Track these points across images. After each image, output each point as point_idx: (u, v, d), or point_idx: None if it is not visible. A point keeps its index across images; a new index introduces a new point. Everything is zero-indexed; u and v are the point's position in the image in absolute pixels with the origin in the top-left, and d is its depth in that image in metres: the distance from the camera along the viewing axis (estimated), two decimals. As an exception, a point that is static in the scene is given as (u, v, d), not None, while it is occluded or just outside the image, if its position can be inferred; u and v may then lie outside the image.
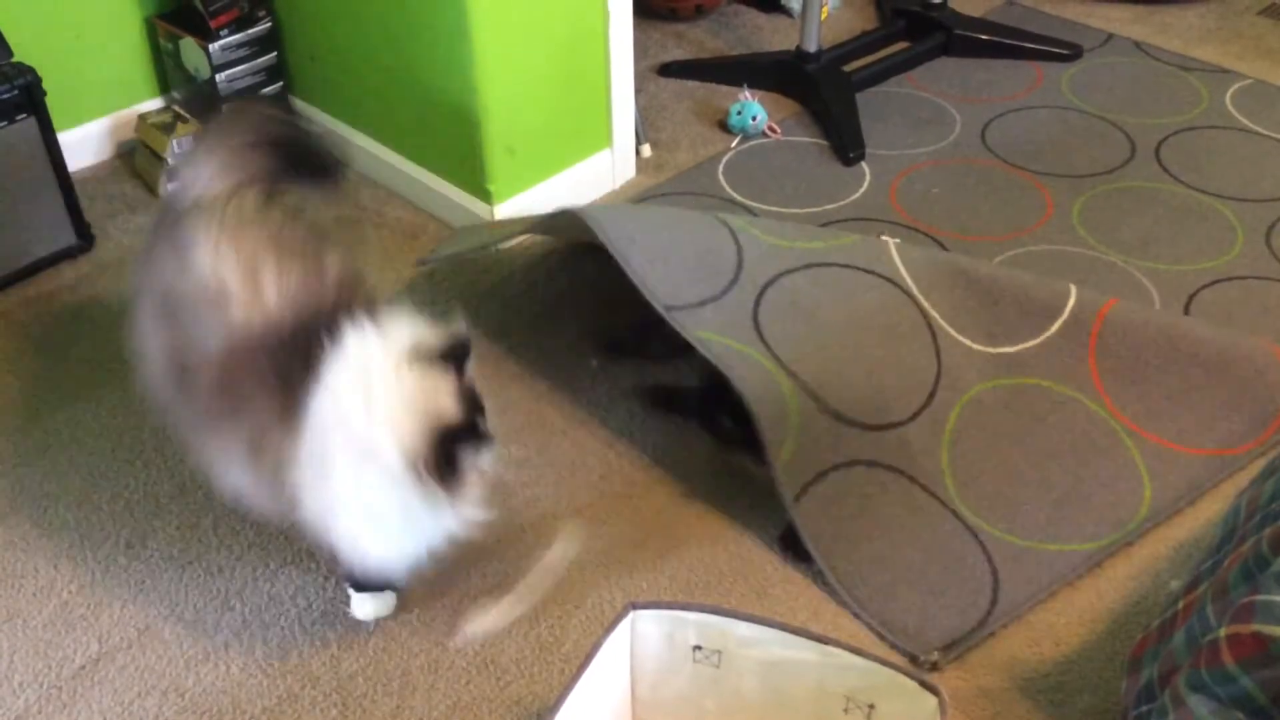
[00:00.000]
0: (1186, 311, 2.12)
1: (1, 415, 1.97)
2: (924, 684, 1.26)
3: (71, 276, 2.28)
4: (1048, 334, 1.93)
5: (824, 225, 2.32)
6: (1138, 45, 2.99)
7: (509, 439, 1.90)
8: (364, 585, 1.59)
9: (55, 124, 2.23)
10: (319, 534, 1.43)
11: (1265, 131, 2.63)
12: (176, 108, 2.58)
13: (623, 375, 2.01)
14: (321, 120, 2.58)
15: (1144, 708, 1.27)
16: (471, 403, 1.38)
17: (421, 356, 1.35)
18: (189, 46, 2.48)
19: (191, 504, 1.80)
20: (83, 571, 1.70)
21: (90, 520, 1.78)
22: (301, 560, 1.71)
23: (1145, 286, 2.19)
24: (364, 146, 2.50)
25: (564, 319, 2.14)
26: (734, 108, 2.65)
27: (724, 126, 2.68)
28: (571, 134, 2.37)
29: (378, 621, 1.62)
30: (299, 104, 2.62)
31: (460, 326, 1.40)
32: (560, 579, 1.66)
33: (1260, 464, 1.80)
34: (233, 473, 1.46)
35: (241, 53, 2.50)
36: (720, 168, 2.55)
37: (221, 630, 1.61)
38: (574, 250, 2.27)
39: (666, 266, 1.82)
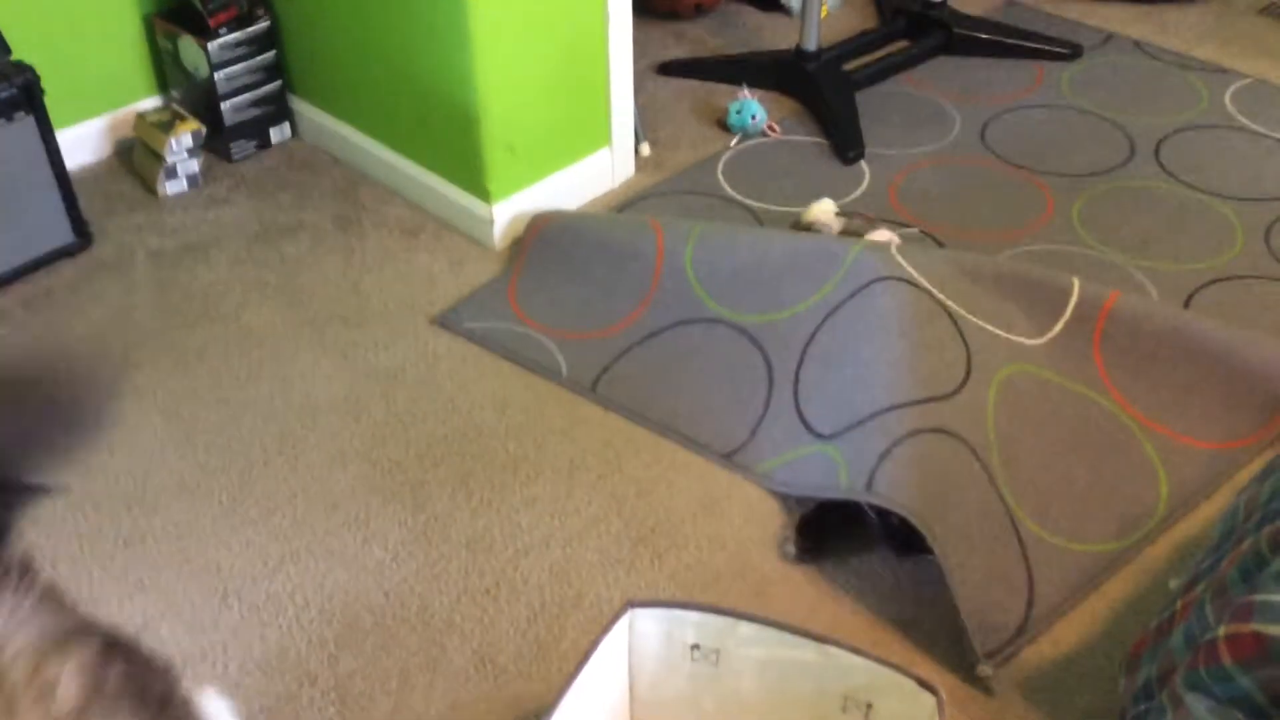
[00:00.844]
0: (1187, 309, 2.11)
1: (-1, 413, 1.96)
2: (922, 683, 1.26)
3: (70, 274, 2.27)
4: (1053, 332, 1.93)
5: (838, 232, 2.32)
6: (1137, 44, 2.99)
7: (508, 438, 1.90)
8: None
9: (54, 122, 2.22)
10: None
11: (1265, 131, 2.63)
12: (175, 106, 2.58)
13: (620, 382, 2.01)
14: (321, 119, 2.58)
15: (1142, 707, 1.27)
16: None
17: None
18: (187, 45, 2.48)
19: (189, 502, 1.80)
20: (80, 569, 1.69)
21: (88, 518, 1.78)
22: (299, 559, 1.71)
23: (1145, 286, 2.18)
24: (362, 145, 2.50)
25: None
26: (733, 106, 2.65)
27: (723, 125, 2.68)
28: (571, 133, 2.37)
29: (376, 620, 1.61)
30: (297, 101, 2.62)
31: None
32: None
33: (1265, 457, 1.81)
34: None
35: (240, 51, 2.49)
36: (719, 166, 2.55)
37: (219, 628, 1.61)
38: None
39: (709, 410, 1.90)
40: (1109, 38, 3.02)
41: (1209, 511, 1.75)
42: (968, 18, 3.02)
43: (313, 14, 2.44)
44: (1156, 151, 2.57)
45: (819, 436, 1.80)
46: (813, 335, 1.91)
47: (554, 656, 1.56)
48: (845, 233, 2.20)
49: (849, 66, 2.85)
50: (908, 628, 1.60)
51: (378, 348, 2.09)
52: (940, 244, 2.30)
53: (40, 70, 2.16)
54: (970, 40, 2.95)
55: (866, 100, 2.76)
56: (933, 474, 1.65)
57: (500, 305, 2.16)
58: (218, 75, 2.48)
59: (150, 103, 2.65)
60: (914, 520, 1.58)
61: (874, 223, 2.24)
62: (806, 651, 1.31)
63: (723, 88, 2.82)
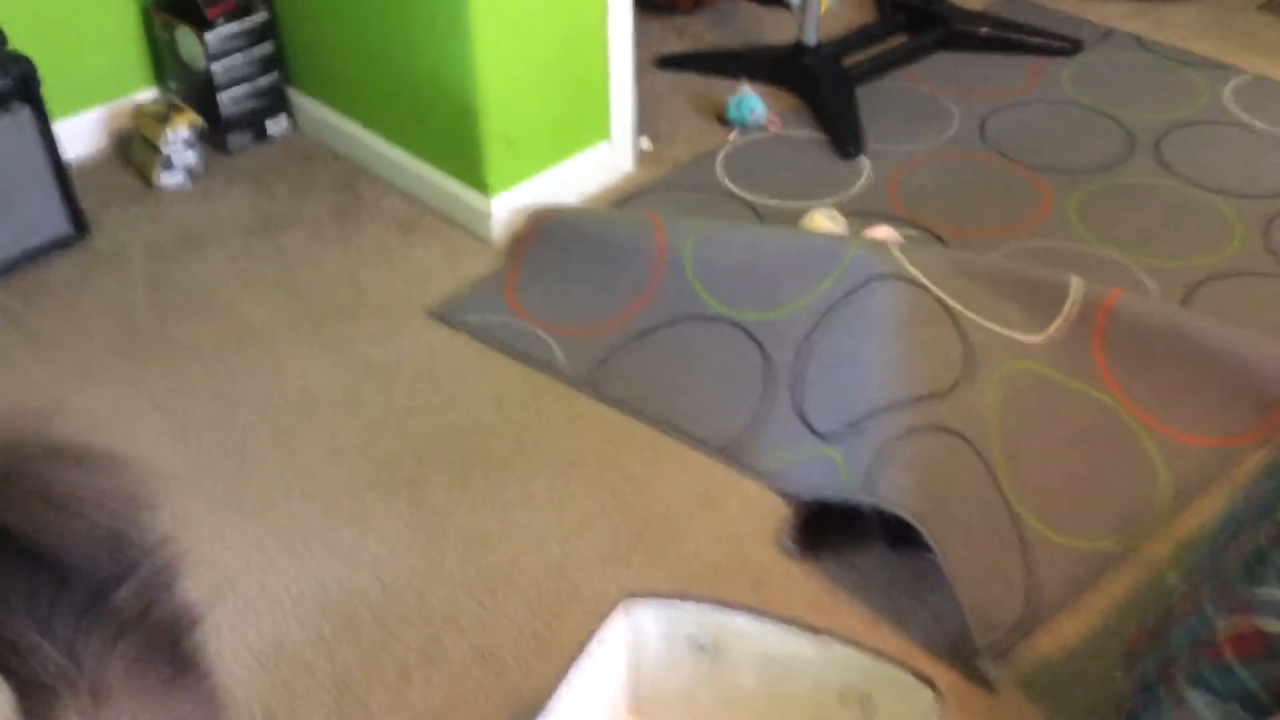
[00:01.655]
0: (1185, 306, 2.11)
1: (-5, 405, 1.96)
2: (921, 677, 1.26)
3: (66, 266, 2.27)
4: (1052, 330, 1.93)
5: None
6: (1137, 40, 2.98)
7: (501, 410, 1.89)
8: None
9: (50, 113, 2.21)
10: None
11: (1263, 126, 2.63)
12: (172, 98, 2.57)
13: (616, 380, 2.01)
14: (319, 111, 2.57)
15: (1141, 702, 1.26)
16: None
17: None
18: (185, 36, 2.47)
19: (185, 495, 1.79)
20: (76, 562, 1.69)
21: (84, 511, 1.77)
22: (296, 553, 1.70)
23: (1143, 282, 2.18)
24: (360, 138, 2.49)
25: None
26: (732, 101, 2.64)
27: (722, 120, 2.67)
28: (570, 126, 2.36)
29: (373, 614, 1.61)
30: (294, 94, 2.61)
31: None
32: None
33: (1264, 454, 1.80)
34: None
35: (237, 42, 2.48)
36: (718, 161, 2.54)
37: (215, 623, 1.61)
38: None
39: (707, 406, 1.89)
40: (1108, 33, 3.02)
41: (1209, 508, 1.75)
42: (967, 13, 3.02)
43: (310, 6, 2.43)
44: (1155, 147, 2.57)
45: (819, 436, 1.80)
46: (811, 333, 1.91)
47: (552, 651, 1.56)
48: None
49: (848, 61, 2.84)
50: (906, 622, 1.59)
51: (375, 341, 2.09)
52: (941, 241, 2.30)
53: (37, 61, 2.15)
54: (969, 35, 2.94)
55: (866, 95, 2.76)
56: (932, 472, 1.64)
57: (498, 300, 2.16)
58: (215, 67, 2.47)
59: (147, 94, 2.64)
60: (912, 520, 1.57)
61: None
62: (805, 646, 1.31)
63: (722, 82, 2.81)
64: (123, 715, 0.87)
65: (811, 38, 2.72)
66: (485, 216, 2.30)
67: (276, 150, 2.59)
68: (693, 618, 1.34)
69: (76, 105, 2.53)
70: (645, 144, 2.58)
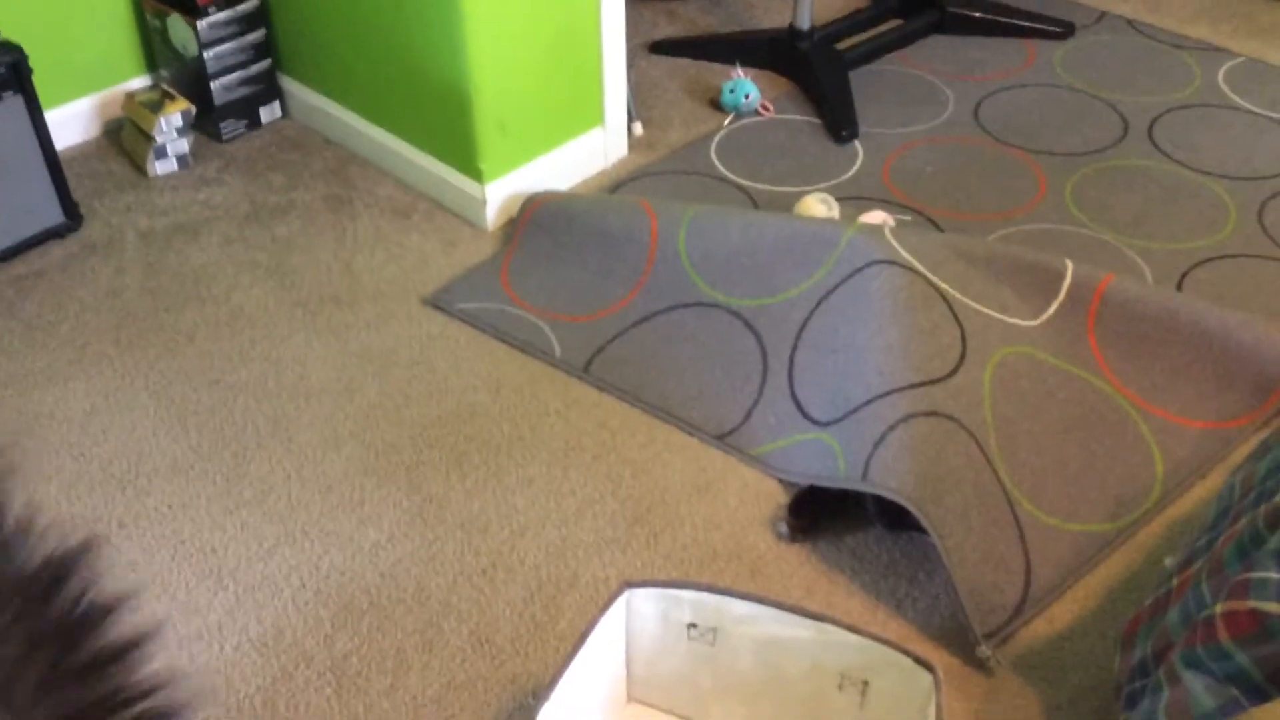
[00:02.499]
0: (1179, 289, 2.12)
1: (-10, 395, 1.96)
2: (918, 660, 1.27)
3: (59, 255, 2.26)
4: (1047, 314, 1.93)
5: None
6: (1130, 23, 2.98)
7: (501, 417, 1.90)
8: None
9: (42, 102, 2.20)
10: None
11: (1257, 110, 2.63)
12: (164, 85, 2.56)
13: (613, 366, 2.01)
14: (311, 98, 2.56)
15: (1137, 684, 1.27)
16: None
17: None
18: (176, 23, 2.46)
19: (182, 483, 1.79)
20: (74, 552, 1.69)
21: (82, 500, 1.77)
22: (295, 540, 1.70)
23: (1138, 265, 2.18)
24: (354, 124, 2.48)
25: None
26: (726, 86, 2.63)
27: (716, 105, 2.67)
28: (563, 112, 2.36)
29: (372, 601, 1.61)
30: (287, 81, 2.60)
31: None
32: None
33: (1260, 436, 1.81)
34: None
35: (229, 29, 2.47)
36: (713, 146, 2.54)
37: (214, 609, 1.61)
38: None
39: (703, 393, 1.90)
40: (1102, 16, 3.01)
41: (1203, 491, 1.76)
42: (961, -4, 3.02)
43: (303, -8, 2.42)
44: (1149, 130, 2.57)
45: (815, 423, 1.80)
46: (807, 320, 1.91)
47: (551, 636, 1.57)
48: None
49: (842, 45, 2.84)
50: (903, 607, 1.60)
51: (370, 329, 2.08)
52: (935, 225, 2.30)
53: (28, 50, 2.14)
54: (963, 19, 2.94)
55: (860, 79, 2.76)
56: (928, 457, 1.64)
57: (493, 286, 2.16)
58: (207, 54, 2.46)
59: (139, 82, 2.62)
60: (910, 507, 1.58)
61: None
62: (803, 630, 1.31)
63: (716, 67, 2.81)
64: None
65: (805, 22, 2.71)
66: (479, 203, 2.29)
67: (269, 138, 2.58)
68: (690, 603, 1.34)
69: (68, 94, 2.52)
70: (638, 129, 2.57)
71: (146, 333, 2.08)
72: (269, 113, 2.61)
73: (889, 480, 1.62)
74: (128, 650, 0.90)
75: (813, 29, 2.74)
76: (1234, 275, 2.16)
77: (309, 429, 1.89)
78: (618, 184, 2.43)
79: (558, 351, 2.01)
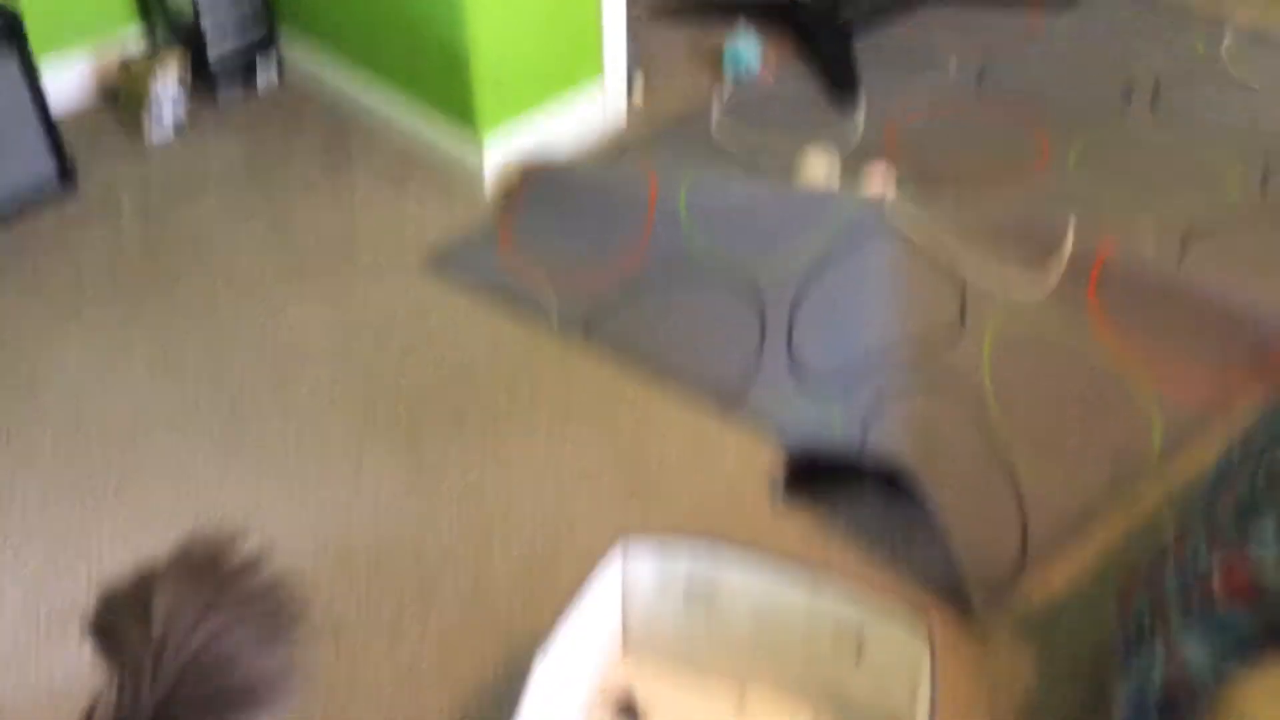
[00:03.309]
0: (1181, 257, 2.11)
1: (-13, 356, 1.95)
2: (914, 618, 1.27)
3: (55, 217, 2.25)
4: (1048, 283, 1.92)
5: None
6: (1135, -9, 2.96)
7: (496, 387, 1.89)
8: None
9: (37, 64, 2.19)
10: None
11: (1261, 77, 2.61)
12: (160, 48, 2.54)
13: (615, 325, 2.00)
14: (308, 61, 2.54)
15: (1134, 645, 1.27)
16: None
17: None
18: (173, -16, 2.44)
19: (180, 443, 1.79)
20: (72, 509, 1.69)
21: (80, 459, 1.77)
22: (294, 499, 1.70)
23: (1140, 232, 2.18)
24: (351, 87, 2.47)
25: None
26: (728, 50, 2.62)
27: (718, 70, 2.65)
28: (563, 72, 2.34)
29: (370, 562, 1.61)
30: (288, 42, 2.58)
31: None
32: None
33: (1259, 401, 1.81)
34: None
35: (227, -9, 2.45)
36: (713, 110, 2.52)
37: (212, 569, 1.61)
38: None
39: (701, 358, 1.90)
40: (1106, -16, 2.99)
41: (1202, 456, 1.75)
42: (964, -37, 2.99)
43: (300, -47, 2.40)
44: (1153, 97, 2.56)
45: (812, 388, 1.80)
46: (805, 285, 1.90)
47: (547, 596, 1.57)
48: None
49: (845, 12, 2.81)
50: (899, 569, 1.60)
51: (368, 293, 2.08)
52: (938, 191, 2.29)
53: (22, 10, 2.12)
54: (966, -15, 2.92)
55: (863, 46, 2.74)
56: (925, 428, 1.64)
57: (492, 251, 2.15)
58: (203, 18, 2.44)
59: (135, 45, 2.60)
60: (904, 470, 1.58)
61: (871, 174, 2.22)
62: (799, 588, 1.31)
63: (718, 30, 2.79)
64: None
65: (807, -13, 2.69)
66: (477, 165, 2.28)
67: (265, 101, 2.57)
68: (686, 561, 1.34)
69: (64, 56, 2.50)
70: (639, 92, 2.56)
71: (144, 296, 2.07)
72: (266, 75, 2.59)
73: (888, 450, 1.62)
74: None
75: (815, -6, 2.72)
76: (1236, 241, 2.15)
77: (306, 392, 1.88)
78: (617, 148, 2.42)
79: (556, 318, 2.01)
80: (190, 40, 2.48)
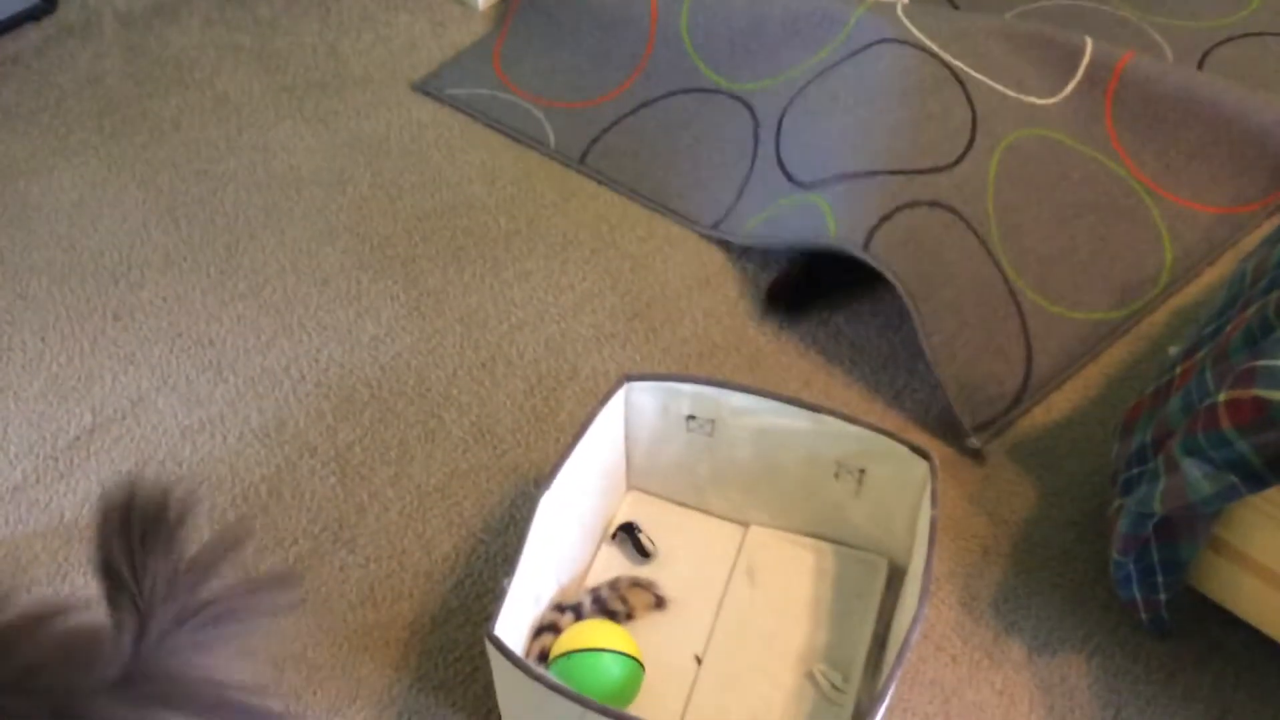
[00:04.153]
0: (1199, 69, 2.03)
1: (-26, 187, 1.91)
2: (914, 448, 1.27)
3: (35, 38, 2.17)
4: (1065, 93, 1.85)
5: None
6: None
7: (502, 205, 1.86)
8: None
9: None
10: None
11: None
12: None
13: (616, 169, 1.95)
14: None
15: (1135, 470, 1.28)
16: None
17: None
18: None
19: (176, 276, 1.77)
20: (71, 344, 1.68)
21: (75, 292, 1.75)
22: (292, 333, 1.69)
23: (1159, 44, 2.09)
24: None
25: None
26: None
27: None
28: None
29: (373, 393, 1.62)
30: None
31: None
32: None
33: (1273, 222, 1.78)
34: None
35: None
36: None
37: (215, 401, 1.61)
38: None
39: (699, 181, 1.83)
40: None
41: (1211, 278, 1.73)
42: None
43: None
44: (1180, -102, 2.42)
45: (799, 185, 1.74)
46: (804, 88, 1.83)
47: (551, 428, 1.57)
48: None
49: None
50: (901, 397, 1.60)
51: (360, 115, 2.02)
52: (955, 4, 2.19)
53: None
54: None
55: None
56: (927, 250, 1.61)
57: (485, 71, 2.07)
58: None
59: None
60: (905, 300, 1.55)
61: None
62: (800, 420, 1.31)
63: None
64: None
65: None
66: (470, -19, 2.18)
67: (246, -90, 2.44)
68: (689, 395, 1.34)
69: None
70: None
71: (130, 120, 2.01)
72: (244, -117, 2.45)
73: (889, 263, 1.58)
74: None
75: None
76: (1256, 54, 2.07)
77: (301, 221, 1.85)
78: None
79: (552, 140, 1.95)
80: None
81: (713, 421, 1.35)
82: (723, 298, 1.73)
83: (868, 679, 1.30)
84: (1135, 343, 1.66)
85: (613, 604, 1.33)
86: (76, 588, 1.41)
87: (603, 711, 1.07)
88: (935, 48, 1.79)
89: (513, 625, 1.20)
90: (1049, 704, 1.30)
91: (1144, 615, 1.29)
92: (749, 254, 1.78)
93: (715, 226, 1.80)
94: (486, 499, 1.50)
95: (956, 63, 1.79)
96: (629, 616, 1.34)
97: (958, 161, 1.71)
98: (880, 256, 1.59)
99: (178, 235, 1.83)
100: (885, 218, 1.63)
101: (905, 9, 1.85)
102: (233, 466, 1.54)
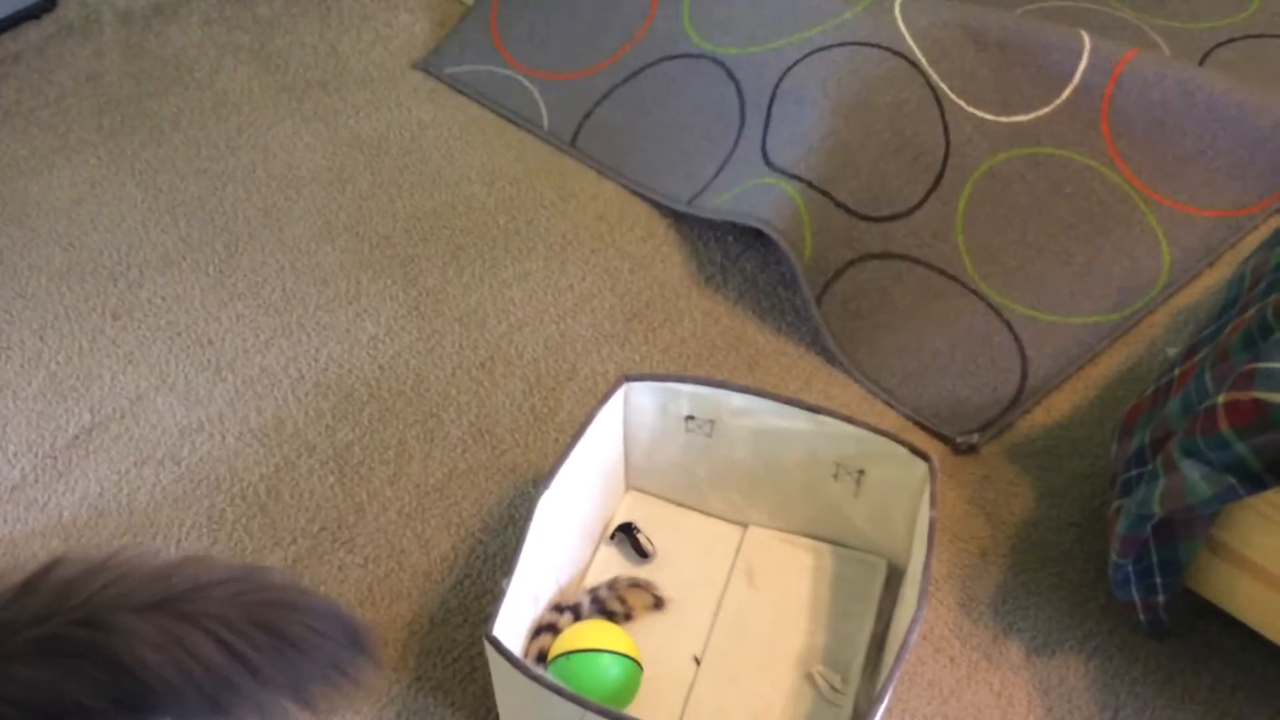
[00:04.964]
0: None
1: (-27, 185, 1.91)
2: (914, 450, 1.27)
3: (35, 38, 2.17)
4: (1059, 100, 1.86)
5: None
6: None
7: (502, 207, 1.86)
8: None
9: None
10: None
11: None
12: None
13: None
14: None
15: (1134, 472, 1.28)
16: None
17: None
18: None
19: (175, 275, 1.77)
20: (69, 342, 1.68)
21: (74, 291, 1.75)
22: (291, 333, 1.69)
23: (1159, 45, 2.09)
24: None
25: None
26: None
27: None
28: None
29: (372, 393, 1.62)
30: None
31: None
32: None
33: (1271, 224, 1.78)
34: None
35: None
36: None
37: (215, 401, 1.61)
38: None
39: (682, 153, 1.84)
40: None
41: (1210, 280, 1.73)
42: None
43: None
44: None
45: (776, 170, 1.75)
46: (790, 69, 1.82)
47: (550, 428, 1.57)
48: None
49: None
50: (901, 400, 1.60)
51: (359, 115, 2.02)
52: None
53: None
54: None
55: None
56: (872, 303, 1.66)
57: (484, 43, 2.07)
58: None
59: None
60: (842, 358, 1.61)
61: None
62: (799, 420, 1.31)
63: None
64: None
65: None
66: (470, -20, 2.18)
67: (246, -91, 2.44)
68: (688, 395, 1.34)
69: None
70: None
71: (130, 119, 2.01)
72: (244, -118, 2.45)
73: (830, 325, 1.64)
74: None
75: None
76: (1257, 56, 2.07)
77: (301, 220, 1.85)
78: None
79: (546, 120, 1.95)
80: None
81: (712, 422, 1.35)
82: (722, 298, 1.73)
83: (866, 680, 1.29)
84: (1134, 344, 1.66)
85: (611, 604, 1.33)
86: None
87: (601, 712, 1.07)
88: (925, 63, 1.79)
89: (511, 625, 1.20)
90: (1047, 705, 1.30)
91: (1142, 616, 1.29)
92: (748, 253, 1.78)
93: (690, 203, 1.80)
94: (485, 499, 1.50)
95: (941, 84, 1.79)
96: (628, 617, 1.34)
97: (919, 205, 1.74)
98: (825, 318, 1.64)
99: (176, 234, 1.83)
100: (839, 272, 1.67)
101: (903, 8, 1.85)
102: (231, 466, 1.54)
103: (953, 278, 1.71)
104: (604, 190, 1.88)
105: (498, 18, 2.09)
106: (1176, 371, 1.31)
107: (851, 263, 1.69)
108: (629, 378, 1.34)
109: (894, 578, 1.38)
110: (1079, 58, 1.86)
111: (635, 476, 1.46)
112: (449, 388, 1.62)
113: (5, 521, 1.48)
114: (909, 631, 1.11)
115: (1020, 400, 1.58)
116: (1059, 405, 1.59)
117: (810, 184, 1.69)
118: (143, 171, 1.93)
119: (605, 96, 1.96)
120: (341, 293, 1.74)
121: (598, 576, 1.39)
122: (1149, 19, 2.14)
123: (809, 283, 1.65)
